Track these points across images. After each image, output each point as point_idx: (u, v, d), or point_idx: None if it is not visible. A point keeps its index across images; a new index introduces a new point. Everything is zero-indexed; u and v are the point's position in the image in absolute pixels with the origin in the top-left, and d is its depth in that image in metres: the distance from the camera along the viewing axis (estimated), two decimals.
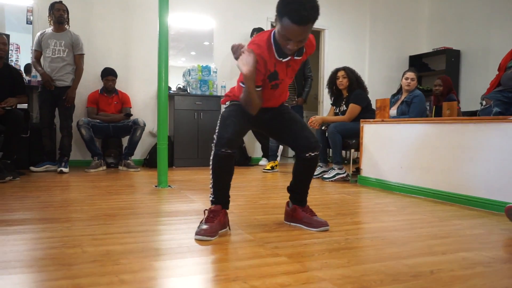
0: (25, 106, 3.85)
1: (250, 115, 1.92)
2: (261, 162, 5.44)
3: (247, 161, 5.42)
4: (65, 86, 4.22)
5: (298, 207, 2.05)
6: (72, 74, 4.27)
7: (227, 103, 2.02)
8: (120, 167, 4.57)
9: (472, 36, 6.10)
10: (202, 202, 2.67)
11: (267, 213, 2.38)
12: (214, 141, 1.84)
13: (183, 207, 2.51)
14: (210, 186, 1.89)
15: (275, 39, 1.80)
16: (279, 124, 2.03)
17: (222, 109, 2.09)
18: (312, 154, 1.96)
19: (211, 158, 1.84)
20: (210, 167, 1.86)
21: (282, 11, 1.67)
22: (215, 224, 1.81)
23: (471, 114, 4.60)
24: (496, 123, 2.60)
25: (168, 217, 2.23)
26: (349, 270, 1.41)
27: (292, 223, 2.07)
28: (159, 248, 1.64)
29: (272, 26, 5.98)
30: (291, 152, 7.14)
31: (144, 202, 2.68)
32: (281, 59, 1.83)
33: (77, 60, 4.28)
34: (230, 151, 1.80)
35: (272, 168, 4.68)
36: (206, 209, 1.89)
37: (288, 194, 2.12)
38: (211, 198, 1.90)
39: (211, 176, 1.87)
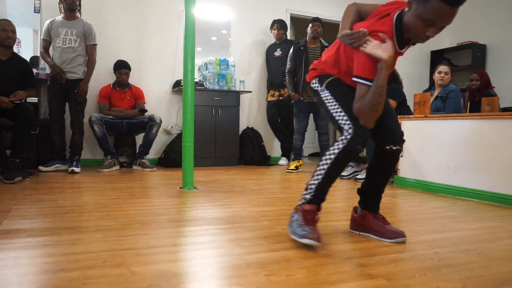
0: (34, 99, 3.52)
1: None
2: (280, 162, 5.14)
3: (267, 161, 5.11)
4: (77, 79, 3.89)
5: (368, 214, 1.76)
6: (84, 66, 3.95)
7: (317, 78, 1.75)
8: (135, 167, 4.25)
9: (499, 29, 5.81)
10: (241, 207, 2.37)
11: (322, 220, 2.08)
12: (349, 135, 1.55)
13: (221, 213, 2.21)
14: (315, 181, 1.61)
15: (398, 27, 1.53)
16: None
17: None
18: (394, 148, 1.67)
19: (337, 151, 1.56)
20: (329, 160, 1.58)
21: None
22: (317, 228, 1.58)
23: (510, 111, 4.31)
24: None
25: (212, 225, 1.93)
26: None
27: (361, 233, 1.78)
28: (224, 267, 1.34)
29: (292, 18, 5.68)
30: (306, 151, 6.85)
31: (177, 207, 2.37)
32: (400, 50, 1.60)
33: (90, 51, 3.95)
34: (361, 149, 1.57)
35: (297, 168, 4.38)
36: (297, 208, 1.64)
37: (357, 198, 1.83)
38: (309, 197, 1.62)
39: (323, 172, 1.59)
